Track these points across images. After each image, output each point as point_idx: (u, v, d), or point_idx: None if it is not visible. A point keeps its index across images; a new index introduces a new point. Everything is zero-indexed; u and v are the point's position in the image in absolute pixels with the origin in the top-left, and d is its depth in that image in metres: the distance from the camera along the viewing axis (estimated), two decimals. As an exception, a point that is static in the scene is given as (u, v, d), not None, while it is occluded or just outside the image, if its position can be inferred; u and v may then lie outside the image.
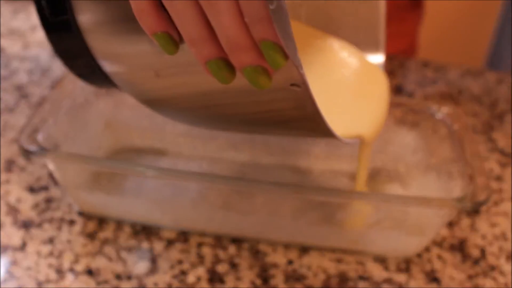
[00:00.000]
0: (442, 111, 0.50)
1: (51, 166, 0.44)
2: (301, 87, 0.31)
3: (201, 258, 0.44)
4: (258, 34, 0.29)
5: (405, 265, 0.45)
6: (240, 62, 0.30)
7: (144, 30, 0.31)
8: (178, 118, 0.39)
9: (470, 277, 0.44)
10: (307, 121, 0.34)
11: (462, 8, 1.46)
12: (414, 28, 0.77)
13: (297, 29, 0.44)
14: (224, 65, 0.30)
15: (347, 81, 0.45)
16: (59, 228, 0.45)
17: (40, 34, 0.73)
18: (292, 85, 0.31)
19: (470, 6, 1.45)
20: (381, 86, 0.45)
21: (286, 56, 0.29)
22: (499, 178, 0.54)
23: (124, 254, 0.44)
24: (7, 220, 0.46)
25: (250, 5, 0.28)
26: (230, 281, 0.42)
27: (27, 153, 0.42)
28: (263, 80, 0.30)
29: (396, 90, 0.66)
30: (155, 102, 0.38)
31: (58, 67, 0.66)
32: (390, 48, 0.72)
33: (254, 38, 0.29)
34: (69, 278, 0.42)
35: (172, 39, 0.31)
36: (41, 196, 0.48)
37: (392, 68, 0.70)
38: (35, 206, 0.47)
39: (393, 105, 0.51)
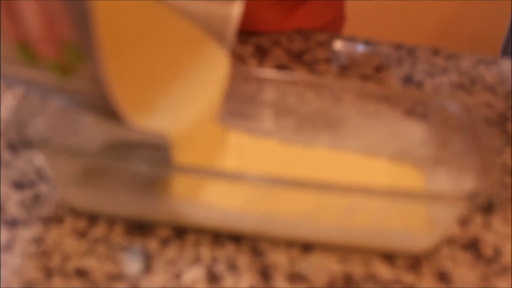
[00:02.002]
0: (454, 102, 0.48)
1: (39, 160, 0.42)
2: (101, 85, 0.32)
3: (198, 257, 0.42)
4: (55, 31, 0.31)
5: (414, 265, 0.42)
6: (43, 54, 0.32)
7: None
8: None
9: (483, 278, 0.42)
10: (104, 106, 0.35)
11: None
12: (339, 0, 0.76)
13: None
14: (27, 50, 0.32)
15: (173, 65, 0.43)
16: (47, 227, 0.43)
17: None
18: (92, 79, 0.32)
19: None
20: (214, 81, 0.43)
21: (83, 56, 0.31)
22: (513, 172, 0.51)
23: (116, 253, 0.42)
24: (-6, 217, 0.44)
25: (51, 5, 0.30)
26: (228, 281, 0.40)
27: (14, 147, 0.40)
28: (60, 71, 0.32)
29: (405, 80, 0.63)
30: None
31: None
32: (315, 21, 0.72)
33: (56, 34, 0.31)
34: (58, 279, 0.40)
35: None
36: (28, 192, 0.46)
37: (400, 56, 0.67)
38: (22, 203, 0.45)
39: (400, 96, 0.49)
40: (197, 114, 0.43)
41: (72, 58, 0.31)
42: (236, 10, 0.45)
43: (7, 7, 0.31)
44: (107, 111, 0.35)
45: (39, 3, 0.30)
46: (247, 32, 0.69)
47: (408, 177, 0.48)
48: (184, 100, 0.43)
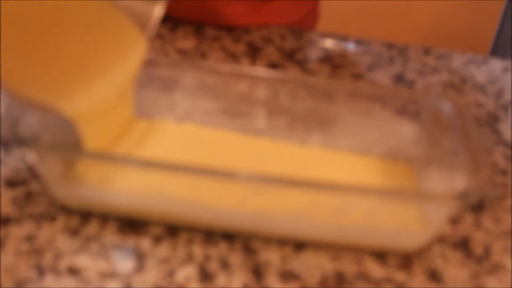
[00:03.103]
0: (444, 102, 0.48)
1: (32, 158, 0.42)
2: None
3: (190, 256, 0.42)
4: None
5: (406, 263, 0.43)
6: None
7: None
8: None
9: (473, 276, 0.42)
10: None
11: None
12: None
13: None
14: None
15: (85, 43, 0.42)
16: (39, 225, 0.43)
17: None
18: None
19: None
20: (126, 59, 0.43)
21: None
22: (504, 172, 0.52)
23: (109, 251, 0.42)
24: (-15, 215, 0.43)
25: None
26: (221, 279, 0.40)
27: (6, 145, 0.40)
28: None
29: (396, 79, 0.63)
30: None
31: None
32: (284, 18, 0.72)
33: None
34: (50, 277, 0.40)
35: None
36: (20, 190, 0.45)
37: (391, 56, 0.67)
38: (14, 201, 0.45)
39: (392, 95, 0.49)
40: (104, 95, 0.43)
41: None
42: (157, 12, 0.44)
43: None
44: None
45: None
46: (214, 25, 0.68)
47: (400, 176, 0.48)
48: (91, 80, 0.42)
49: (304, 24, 0.76)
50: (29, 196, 0.45)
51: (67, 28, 0.41)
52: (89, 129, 0.42)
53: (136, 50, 0.44)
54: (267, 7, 0.71)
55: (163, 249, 0.42)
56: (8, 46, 0.36)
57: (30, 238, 0.42)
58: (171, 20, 0.69)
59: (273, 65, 0.63)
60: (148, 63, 0.50)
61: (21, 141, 0.40)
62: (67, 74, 0.41)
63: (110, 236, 0.43)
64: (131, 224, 0.44)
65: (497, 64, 0.68)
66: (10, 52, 0.36)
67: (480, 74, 0.66)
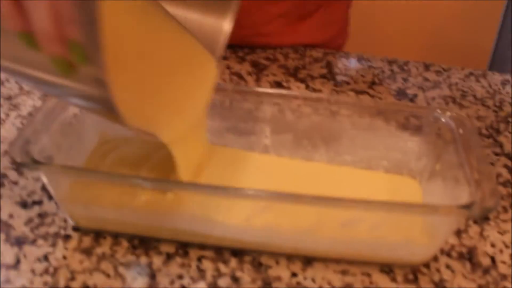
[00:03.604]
0: (446, 115, 0.49)
1: (44, 179, 0.42)
2: (104, 87, 0.33)
3: (202, 272, 0.42)
4: (65, 32, 0.32)
5: (413, 276, 0.43)
6: (48, 51, 0.33)
7: None
8: None
9: (480, 287, 0.43)
10: (104, 106, 0.36)
11: (464, 10, 1.45)
12: (343, 15, 0.77)
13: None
14: (30, 39, 0.33)
15: (168, 70, 0.44)
16: (54, 244, 0.44)
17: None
18: (94, 81, 0.33)
19: (472, 7, 1.44)
20: (203, 86, 0.44)
21: (87, 57, 0.32)
22: (507, 183, 0.52)
23: (122, 269, 0.42)
24: None
25: (62, 6, 0.31)
26: (232, 295, 0.41)
27: (19, 166, 0.41)
28: (67, 70, 0.33)
29: (398, 94, 0.64)
30: None
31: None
32: (319, 37, 0.73)
33: (64, 34, 0.32)
34: (65, 296, 0.40)
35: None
36: (34, 211, 0.46)
37: (393, 71, 0.68)
38: (29, 221, 0.45)
39: (395, 110, 0.50)
40: (187, 119, 0.44)
41: (77, 58, 0.32)
42: (227, 25, 0.46)
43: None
44: (106, 110, 0.36)
45: (48, 1, 0.31)
46: (250, 44, 0.70)
47: (405, 189, 0.49)
48: (175, 105, 0.43)
49: (335, 43, 0.77)
50: (43, 217, 0.46)
51: (164, 63, 0.43)
52: (181, 154, 0.43)
53: (210, 73, 0.45)
54: (303, 25, 0.72)
55: (175, 266, 0.43)
56: (128, 87, 0.38)
57: (45, 258, 0.43)
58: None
59: (278, 83, 0.64)
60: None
61: (34, 163, 0.41)
62: (166, 105, 0.43)
63: (123, 254, 0.43)
64: (143, 242, 0.44)
65: (496, 78, 0.69)
66: (128, 90, 0.39)
67: (479, 87, 0.67)
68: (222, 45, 0.46)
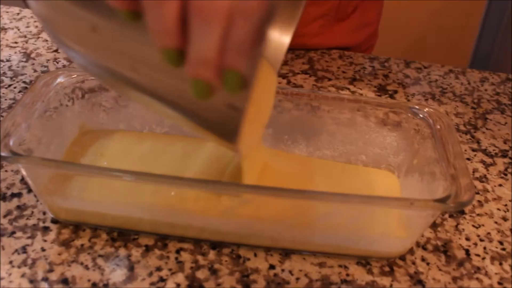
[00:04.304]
0: (425, 111, 0.49)
1: (24, 171, 0.42)
2: (237, 112, 0.32)
3: (180, 264, 0.43)
4: (228, 60, 0.30)
5: (389, 268, 0.44)
6: (196, 73, 0.31)
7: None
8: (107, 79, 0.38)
9: (454, 279, 0.43)
10: (222, 129, 0.35)
11: (446, 8, 1.46)
12: (377, 16, 0.78)
13: None
14: (178, 57, 0.31)
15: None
16: (32, 236, 0.44)
17: (11, 36, 0.71)
18: (229, 105, 0.33)
19: (454, 6, 1.46)
20: (268, 100, 0.45)
21: (239, 86, 0.31)
22: (483, 178, 0.53)
23: (100, 261, 0.42)
24: (-22, 228, 0.44)
25: (240, 35, 0.30)
26: (210, 287, 0.41)
27: (-1, 159, 0.41)
28: (205, 94, 0.32)
29: (378, 90, 0.65)
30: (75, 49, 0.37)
31: (30, 70, 0.64)
32: (354, 39, 0.73)
33: (222, 60, 0.30)
34: (43, 287, 0.40)
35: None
36: (13, 203, 0.46)
37: (374, 68, 0.69)
38: (7, 213, 0.45)
39: (375, 106, 0.51)
40: (262, 131, 0.45)
41: (228, 85, 0.31)
42: (289, 39, 0.46)
43: (193, 20, 0.30)
44: (220, 133, 0.36)
45: (225, 28, 0.30)
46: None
47: (385, 183, 0.50)
48: (260, 122, 0.44)
49: (367, 44, 0.77)
50: (22, 209, 0.46)
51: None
52: (248, 162, 0.43)
53: (274, 84, 0.45)
54: (340, 27, 0.72)
55: (154, 259, 0.43)
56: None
57: (23, 250, 0.43)
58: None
59: (259, 78, 0.64)
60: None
61: (14, 156, 0.41)
62: (257, 125, 0.44)
63: (102, 247, 0.44)
64: (122, 235, 0.45)
65: (475, 75, 0.70)
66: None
67: (459, 84, 0.68)
68: (282, 57, 0.46)
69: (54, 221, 0.45)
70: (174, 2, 0.30)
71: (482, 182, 0.53)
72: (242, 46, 0.30)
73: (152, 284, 0.41)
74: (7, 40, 0.71)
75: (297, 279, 0.42)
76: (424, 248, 0.46)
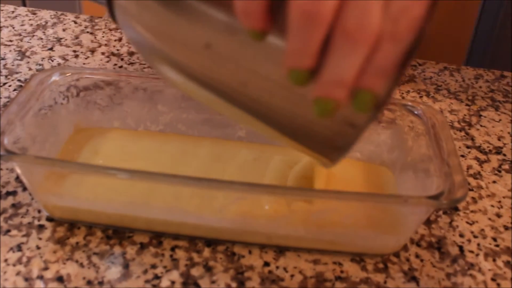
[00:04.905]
0: (419, 108, 0.49)
1: (18, 170, 0.43)
2: (355, 131, 0.33)
3: (175, 262, 0.43)
4: (367, 82, 0.30)
5: (383, 265, 0.44)
6: (327, 93, 0.31)
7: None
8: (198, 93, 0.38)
9: (448, 276, 0.44)
10: (327, 145, 0.35)
11: (441, 5, 1.47)
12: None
13: None
14: (307, 77, 0.31)
15: None
16: (27, 235, 0.44)
17: (5, 34, 0.71)
18: (348, 123, 0.33)
19: (450, 3, 1.46)
20: None
21: (369, 107, 0.31)
22: (477, 175, 0.53)
23: (95, 259, 0.43)
24: (-27, 227, 0.44)
25: (385, 58, 0.29)
26: (205, 284, 0.41)
27: (-8, 157, 0.41)
28: (329, 113, 0.31)
29: (374, 87, 0.65)
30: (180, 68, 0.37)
31: (25, 68, 0.64)
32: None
33: (358, 80, 0.30)
34: (38, 285, 0.40)
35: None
36: (8, 201, 0.46)
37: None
38: (2, 212, 0.46)
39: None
40: None
41: (361, 104, 0.31)
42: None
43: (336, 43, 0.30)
44: (327, 147, 0.36)
45: (370, 51, 0.29)
46: None
47: (381, 180, 0.50)
48: None
49: None
50: (17, 207, 0.46)
51: None
52: (320, 170, 0.45)
53: None
54: None
55: (149, 256, 0.43)
56: None
57: (18, 248, 0.43)
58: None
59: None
60: (132, 76, 0.51)
61: (8, 154, 0.41)
62: None
63: (97, 244, 0.44)
64: (117, 233, 0.45)
65: (469, 72, 0.70)
66: None
67: (453, 81, 0.68)
68: None
69: (49, 219, 0.45)
70: (324, 25, 0.29)
71: (476, 179, 0.53)
72: (384, 69, 0.30)
73: (147, 281, 0.41)
74: (1, 38, 0.70)
75: (292, 276, 0.43)
76: (418, 245, 0.46)
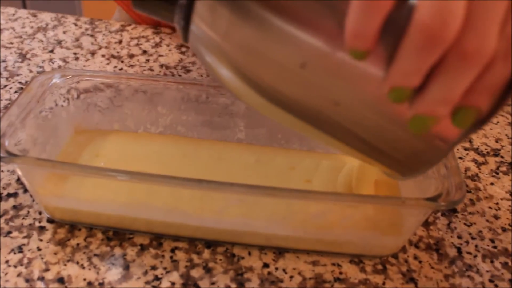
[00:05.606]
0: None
1: (19, 172, 0.43)
2: (447, 146, 0.32)
3: (175, 263, 0.43)
4: (472, 99, 0.29)
5: (382, 266, 0.44)
6: (429, 111, 0.30)
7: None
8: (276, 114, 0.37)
9: (446, 277, 0.44)
10: (411, 159, 0.35)
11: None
12: None
13: None
14: (409, 95, 0.30)
15: None
16: (28, 236, 0.44)
17: (6, 36, 0.72)
18: (439, 138, 0.32)
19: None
20: None
21: (469, 123, 0.30)
22: (475, 177, 0.54)
23: (96, 260, 0.43)
24: (-25, 228, 0.45)
25: (498, 78, 0.29)
26: (205, 285, 0.42)
27: (-6, 159, 0.41)
28: (425, 129, 0.31)
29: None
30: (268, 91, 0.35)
31: (26, 71, 0.65)
32: None
33: (462, 98, 0.29)
34: (39, 286, 0.41)
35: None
36: (9, 203, 0.47)
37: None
38: (3, 213, 0.46)
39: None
40: None
41: (462, 121, 0.30)
42: None
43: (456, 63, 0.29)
44: (413, 162, 0.36)
45: (479, 74, 0.29)
46: None
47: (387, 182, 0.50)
48: None
49: None
50: (18, 209, 0.46)
51: None
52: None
53: None
54: None
55: (149, 257, 0.43)
56: None
57: (19, 249, 0.43)
58: (157, 37, 0.71)
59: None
60: (132, 78, 0.52)
61: (9, 156, 0.41)
62: None
63: (98, 246, 0.44)
64: (118, 234, 0.45)
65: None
66: None
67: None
68: None
69: (50, 220, 0.46)
70: (444, 48, 0.28)
71: (474, 181, 0.53)
72: (492, 87, 0.29)
73: (147, 283, 0.42)
74: (2, 40, 0.71)
75: (291, 277, 0.43)
76: (417, 246, 0.46)
